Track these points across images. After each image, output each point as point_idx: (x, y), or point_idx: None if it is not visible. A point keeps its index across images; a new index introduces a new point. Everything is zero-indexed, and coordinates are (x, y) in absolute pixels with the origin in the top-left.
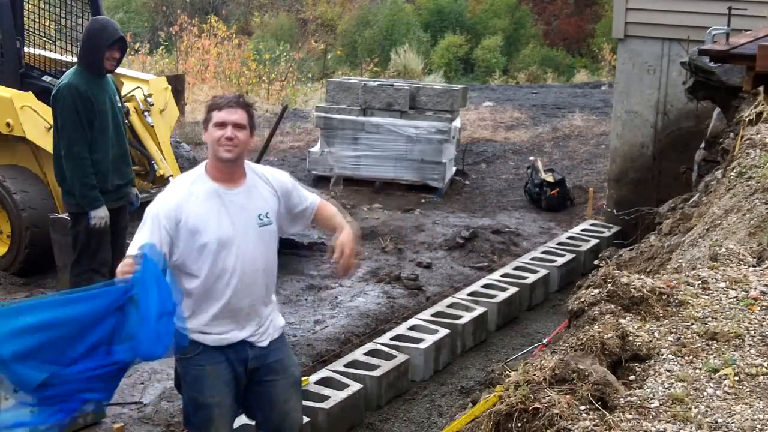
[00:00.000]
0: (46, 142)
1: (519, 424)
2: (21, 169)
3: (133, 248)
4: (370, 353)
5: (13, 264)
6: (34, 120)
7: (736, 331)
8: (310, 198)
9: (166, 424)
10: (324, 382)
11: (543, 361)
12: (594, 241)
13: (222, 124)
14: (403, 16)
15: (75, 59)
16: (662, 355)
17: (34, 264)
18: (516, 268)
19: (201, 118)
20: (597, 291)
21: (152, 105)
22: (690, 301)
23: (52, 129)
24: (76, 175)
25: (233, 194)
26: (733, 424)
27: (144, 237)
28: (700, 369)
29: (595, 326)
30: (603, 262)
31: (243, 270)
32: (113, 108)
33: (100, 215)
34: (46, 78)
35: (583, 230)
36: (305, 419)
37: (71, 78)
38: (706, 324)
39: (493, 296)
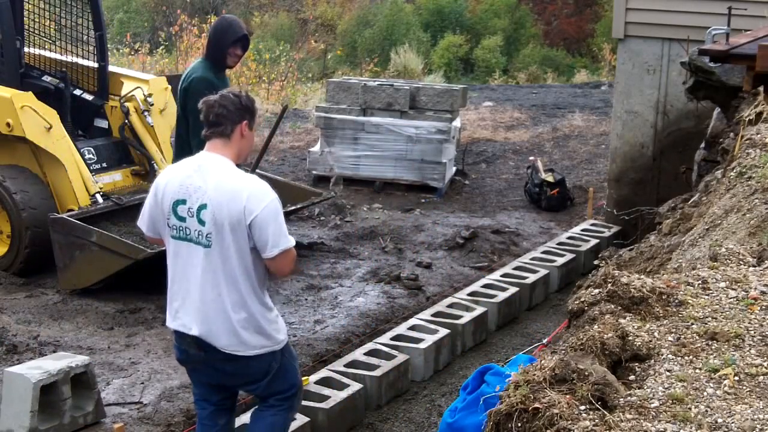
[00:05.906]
0: (46, 142)
1: (519, 424)
2: (21, 169)
3: None
4: (370, 353)
5: (13, 264)
6: (34, 120)
7: (736, 331)
8: None
9: (166, 424)
10: (324, 382)
11: (543, 361)
12: (594, 241)
13: None
14: (403, 16)
15: (74, 59)
16: (662, 355)
17: (34, 264)
18: (516, 268)
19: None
20: (597, 291)
21: (152, 105)
22: (690, 301)
23: (177, 116)
24: None
25: None
26: (733, 424)
27: None
28: (700, 369)
29: (595, 326)
30: (603, 262)
31: None
32: None
33: None
34: (46, 78)
35: (583, 230)
36: (305, 419)
37: (202, 71)
38: (706, 324)
39: (493, 296)
